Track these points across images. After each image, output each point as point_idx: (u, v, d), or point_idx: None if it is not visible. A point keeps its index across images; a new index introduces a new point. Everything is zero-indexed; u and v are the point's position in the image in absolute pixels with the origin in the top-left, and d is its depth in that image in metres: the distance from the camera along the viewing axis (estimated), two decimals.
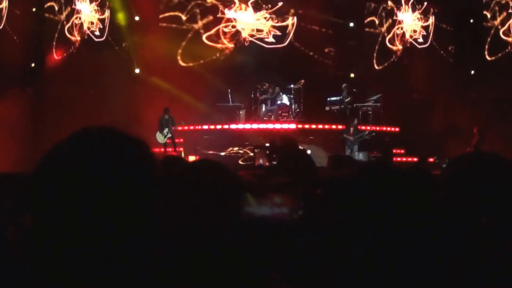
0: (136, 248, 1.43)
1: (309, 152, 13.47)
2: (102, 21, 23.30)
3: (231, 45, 23.94)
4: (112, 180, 1.44)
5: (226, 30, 24.00)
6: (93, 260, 1.42)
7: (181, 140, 21.56)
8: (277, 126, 21.01)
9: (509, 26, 24.41)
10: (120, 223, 1.42)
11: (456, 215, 2.28)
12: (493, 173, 2.32)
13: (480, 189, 2.30)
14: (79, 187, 1.43)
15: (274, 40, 24.09)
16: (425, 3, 25.08)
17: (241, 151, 20.74)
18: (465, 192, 2.31)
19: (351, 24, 24.72)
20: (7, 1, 20.98)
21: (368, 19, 25.12)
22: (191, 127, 21.43)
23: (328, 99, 23.32)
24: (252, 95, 22.70)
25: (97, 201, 1.42)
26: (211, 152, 20.41)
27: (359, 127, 21.04)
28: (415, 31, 25.17)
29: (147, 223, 1.44)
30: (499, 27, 24.52)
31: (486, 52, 24.34)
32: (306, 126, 21.23)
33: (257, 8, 24.09)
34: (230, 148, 20.90)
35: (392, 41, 25.13)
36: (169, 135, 20.64)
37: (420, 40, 25.21)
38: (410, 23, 25.12)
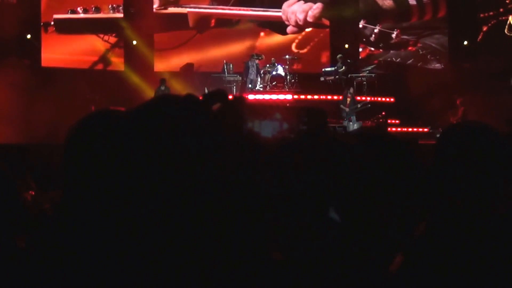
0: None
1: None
2: None
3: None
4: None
5: None
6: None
7: None
8: (274, 96, 21.00)
9: None
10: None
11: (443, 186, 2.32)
12: (480, 144, 2.33)
13: (467, 159, 2.31)
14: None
15: None
16: None
17: None
18: (453, 163, 2.33)
19: None
20: None
21: None
22: None
23: (323, 69, 23.34)
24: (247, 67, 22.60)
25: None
26: None
27: (356, 97, 21.08)
28: None
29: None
30: None
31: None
32: (302, 96, 21.22)
33: None
34: None
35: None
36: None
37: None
38: None
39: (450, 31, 24.77)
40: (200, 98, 1.55)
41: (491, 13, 24.64)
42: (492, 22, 24.54)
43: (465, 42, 24.14)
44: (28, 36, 21.18)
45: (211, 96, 1.54)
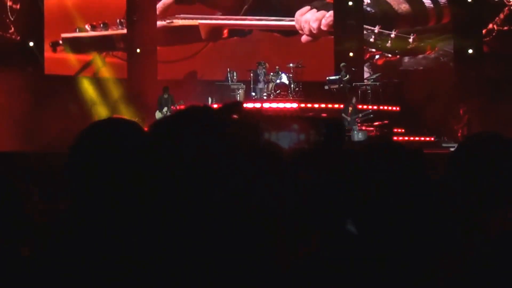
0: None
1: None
2: None
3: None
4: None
5: None
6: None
7: None
8: (281, 105, 20.94)
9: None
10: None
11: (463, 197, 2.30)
12: (498, 154, 2.33)
13: (485, 170, 2.30)
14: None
15: None
16: None
17: None
18: (471, 174, 2.32)
19: (350, 3, 24.68)
20: None
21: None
22: None
23: (327, 78, 23.35)
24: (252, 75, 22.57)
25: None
26: None
27: (358, 106, 21.06)
28: None
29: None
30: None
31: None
32: (309, 105, 21.17)
33: None
34: None
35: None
36: (168, 114, 20.63)
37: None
38: None
39: (455, 40, 24.74)
40: (218, 108, 1.57)
41: (496, 21, 24.64)
42: (496, 30, 24.54)
43: (470, 51, 24.12)
44: (31, 44, 21.21)
45: (228, 107, 1.57)
